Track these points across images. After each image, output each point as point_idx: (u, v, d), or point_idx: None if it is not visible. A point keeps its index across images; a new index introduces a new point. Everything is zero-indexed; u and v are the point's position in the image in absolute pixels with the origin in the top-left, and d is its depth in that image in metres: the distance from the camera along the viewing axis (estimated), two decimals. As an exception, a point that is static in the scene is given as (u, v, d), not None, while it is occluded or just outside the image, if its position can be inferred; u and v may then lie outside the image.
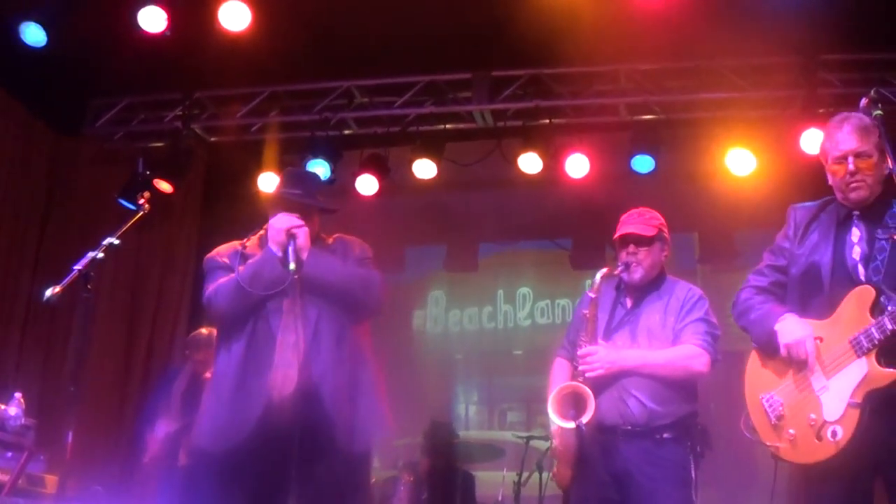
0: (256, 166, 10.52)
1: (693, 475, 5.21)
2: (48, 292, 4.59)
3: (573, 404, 5.25)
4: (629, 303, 5.60)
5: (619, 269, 5.54)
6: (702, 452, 5.32)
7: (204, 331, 8.51)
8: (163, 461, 8.08)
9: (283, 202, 5.32)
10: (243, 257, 5.29)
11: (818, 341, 4.42)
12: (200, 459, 5.17)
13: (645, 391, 5.25)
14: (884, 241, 4.43)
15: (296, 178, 5.53)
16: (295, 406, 4.86)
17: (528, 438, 8.81)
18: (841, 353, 4.34)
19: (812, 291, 4.58)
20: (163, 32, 8.64)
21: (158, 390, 8.64)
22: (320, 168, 10.22)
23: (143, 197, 5.43)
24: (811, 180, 8.75)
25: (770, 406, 4.57)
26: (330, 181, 10.33)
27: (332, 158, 10.27)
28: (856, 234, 4.56)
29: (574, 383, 5.33)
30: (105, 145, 11.09)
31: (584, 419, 5.13)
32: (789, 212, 4.93)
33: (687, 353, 5.31)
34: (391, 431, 5.25)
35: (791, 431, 4.44)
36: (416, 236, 10.97)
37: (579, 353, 5.40)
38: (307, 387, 4.90)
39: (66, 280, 4.67)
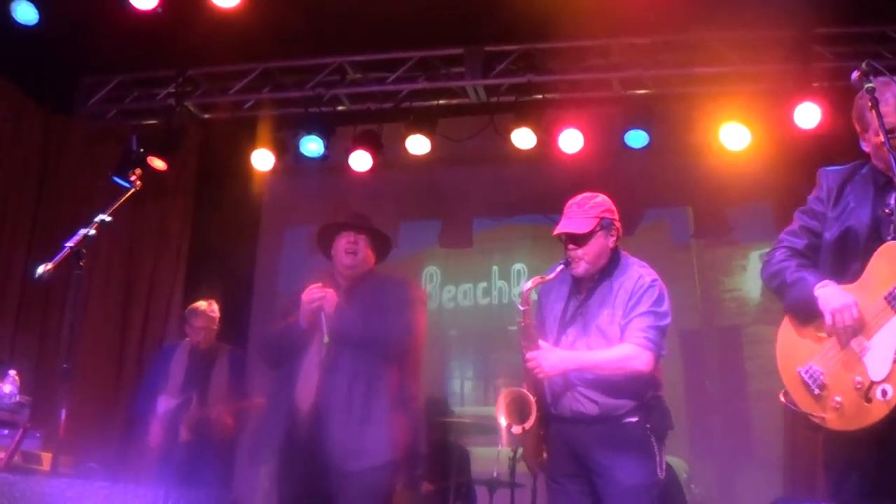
0: (250, 143, 10.53)
1: (656, 451, 5.18)
2: (40, 269, 4.63)
3: (519, 408, 5.31)
4: (582, 295, 5.50)
5: (558, 268, 5.39)
6: (664, 432, 5.27)
7: (204, 302, 8.58)
8: (164, 437, 8.13)
9: (337, 226, 6.02)
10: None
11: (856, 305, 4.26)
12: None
13: (594, 389, 5.24)
14: None
15: (353, 215, 6.11)
16: (311, 418, 5.54)
17: (524, 414, 8.80)
18: (878, 311, 4.20)
19: (849, 257, 4.45)
20: (154, 9, 8.60)
21: (157, 366, 8.67)
22: (313, 144, 10.23)
23: (134, 174, 5.44)
24: (805, 154, 8.85)
25: (810, 377, 4.36)
26: (323, 157, 10.35)
27: (326, 135, 10.27)
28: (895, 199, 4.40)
29: (518, 389, 5.36)
30: (98, 123, 11.09)
31: (527, 425, 5.24)
32: (820, 174, 4.72)
33: (626, 354, 5.21)
34: (393, 458, 5.63)
35: (837, 399, 4.23)
36: (410, 212, 10.95)
37: (526, 357, 5.37)
38: (320, 403, 5.56)
39: (58, 257, 4.70)
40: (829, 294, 4.34)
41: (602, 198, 5.56)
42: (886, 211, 4.17)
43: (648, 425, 5.21)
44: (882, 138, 4.29)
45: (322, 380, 5.57)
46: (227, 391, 8.29)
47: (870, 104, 4.11)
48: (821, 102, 8.95)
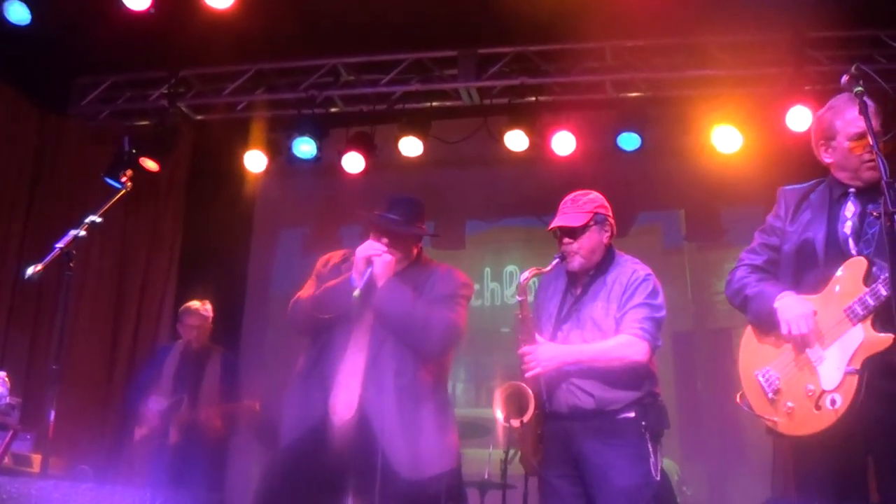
0: (243, 144, 10.53)
1: (651, 451, 5.19)
2: (30, 270, 4.64)
3: (517, 402, 5.30)
4: (577, 290, 5.56)
5: (553, 262, 5.48)
6: (660, 431, 5.28)
7: (197, 302, 8.59)
8: (154, 438, 8.12)
9: (377, 226, 5.43)
10: (340, 272, 5.42)
11: (814, 315, 4.45)
12: (275, 454, 5.38)
13: (591, 381, 5.27)
14: (874, 217, 4.44)
15: (396, 202, 5.50)
16: (353, 431, 5.04)
17: (516, 416, 8.79)
18: (836, 323, 4.38)
19: (806, 267, 4.62)
20: (147, 10, 8.58)
21: (149, 366, 8.67)
22: (306, 146, 10.22)
23: (125, 175, 5.45)
24: (797, 157, 8.77)
25: (766, 381, 4.60)
26: (316, 159, 10.34)
27: (319, 136, 10.27)
28: (850, 209, 4.59)
29: (516, 383, 5.36)
30: (91, 124, 11.08)
31: (525, 418, 5.23)
32: (779, 193, 4.94)
33: (621, 344, 5.26)
34: (454, 466, 5.35)
35: (789, 404, 4.46)
36: (403, 214, 10.93)
37: (520, 352, 5.39)
38: (365, 414, 5.06)
39: (48, 258, 4.70)
40: (786, 304, 4.54)
41: (596, 195, 5.66)
42: (874, 214, 4.23)
43: (644, 423, 5.23)
44: (848, 144, 4.59)
45: (364, 387, 5.12)
46: (219, 393, 8.29)
47: (858, 109, 4.16)
48: (813, 106, 8.95)
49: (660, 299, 5.41)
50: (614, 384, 5.25)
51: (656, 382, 5.42)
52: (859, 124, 4.48)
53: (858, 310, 4.30)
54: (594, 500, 5.20)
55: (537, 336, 5.40)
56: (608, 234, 5.58)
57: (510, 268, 11.27)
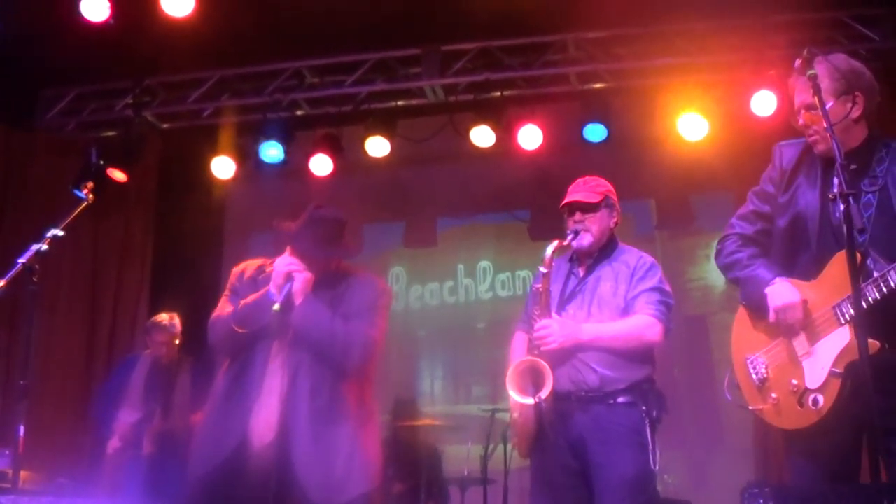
0: (210, 151, 10.53)
1: (650, 439, 5.15)
2: (-9, 287, 4.59)
3: (531, 379, 5.21)
4: (581, 272, 5.58)
5: (569, 237, 5.47)
6: (658, 417, 5.26)
7: (164, 315, 8.51)
8: (127, 450, 8.08)
9: (292, 247, 5.26)
10: (256, 284, 5.27)
11: (803, 304, 4.34)
12: (189, 477, 5.15)
13: (597, 358, 5.24)
14: (871, 195, 4.33)
15: (313, 222, 5.28)
16: (272, 455, 4.82)
17: (494, 411, 8.80)
18: (825, 318, 4.28)
19: (798, 248, 4.50)
20: (106, 21, 8.55)
21: (118, 378, 8.60)
22: (273, 150, 10.21)
23: (86, 187, 5.40)
24: (763, 142, 8.82)
25: (754, 368, 4.54)
26: (284, 163, 10.34)
27: (285, 140, 10.27)
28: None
29: (531, 358, 5.27)
30: (58, 136, 11.04)
31: (543, 394, 5.10)
32: (775, 150, 4.77)
33: (640, 324, 5.28)
34: (373, 486, 5.09)
35: (773, 395, 4.41)
36: (374, 214, 10.96)
37: (535, 327, 5.35)
38: (283, 437, 4.88)
39: (10, 274, 4.66)
40: (776, 292, 4.42)
41: (606, 181, 5.75)
42: (830, 196, 4.14)
43: (644, 408, 5.23)
44: (802, 121, 4.50)
45: (283, 409, 4.90)
46: (191, 404, 8.23)
47: (813, 91, 4.13)
48: (777, 90, 8.99)
49: (668, 287, 5.48)
50: (619, 364, 5.25)
51: (655, 369, 5.43)
52: (795, 103, 4.53)
53: (846, 311, 4.17)
54: (593, 488, 5.17)
55: (553, 314, 5.38)
56: (615, 220, 5.66)
57: (483, 263, 11.28)
